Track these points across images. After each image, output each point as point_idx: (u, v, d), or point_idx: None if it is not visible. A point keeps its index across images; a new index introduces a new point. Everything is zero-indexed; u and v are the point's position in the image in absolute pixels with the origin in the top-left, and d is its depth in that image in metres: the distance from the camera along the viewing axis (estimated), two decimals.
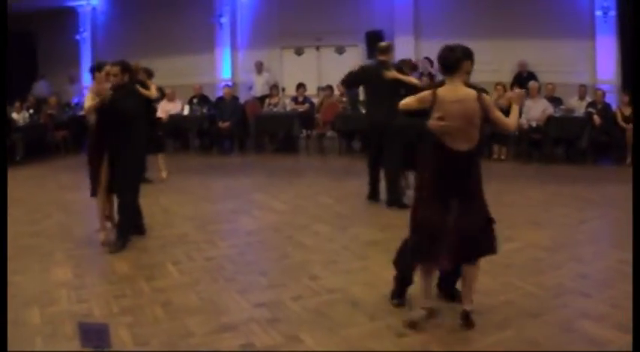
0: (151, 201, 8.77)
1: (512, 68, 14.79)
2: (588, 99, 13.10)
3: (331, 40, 16.78)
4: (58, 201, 9.44)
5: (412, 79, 8.64)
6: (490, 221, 4.61)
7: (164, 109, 14.03)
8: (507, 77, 14.52)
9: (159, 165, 10.90)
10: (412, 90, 8.32)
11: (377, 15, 16.00)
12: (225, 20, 17.19)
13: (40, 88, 17.62)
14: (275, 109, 14.65)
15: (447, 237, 4.46)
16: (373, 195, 8.97)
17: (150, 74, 10.22)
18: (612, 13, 14.12)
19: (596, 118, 12.24)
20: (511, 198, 8.79)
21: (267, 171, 12.05)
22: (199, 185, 10.77)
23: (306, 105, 14.83)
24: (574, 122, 12.39)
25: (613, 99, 13.28)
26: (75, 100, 16.64)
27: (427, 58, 15.22)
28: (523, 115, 12.11)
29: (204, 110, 14.60)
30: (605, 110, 12.52)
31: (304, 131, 14.83)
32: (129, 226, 7.01)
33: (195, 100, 15.03)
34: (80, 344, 3.80)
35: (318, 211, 8.60)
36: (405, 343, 4.45)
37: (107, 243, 6.92)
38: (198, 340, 4.55)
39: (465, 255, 4.52)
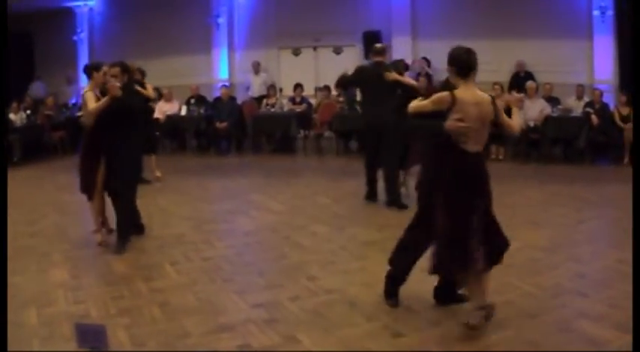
0: (148, 202, 8.76)
1: (509, 68, 14.78)
2: (586, 99, 13.10)
3: (329, 40, 16.76)
4: (56, 201, 9.42)
5: (411, 81, 8.78)
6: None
7: (161, 110, 14.02)
8: (505, 77, 14.51)
9: (152, 166, 10.85)
10: (409, 91, 8.38)
11: (374, 15, 15.99)
12: (222, 20, 17.18)
13: (36, 89, 17.58)
14: (272, 110, 14.64)
15: (477, 236, 4.48)
16: (371, 196, 8.96)
17: (143, 74, 10.23)
18: (610, 12, 14.11)
19: (594, 118, 12.24)
20: (509, 198, 8.78)
21: (264, 172, 12.04)
22: (197, 185, 10.76)
23: (304, 106, 14.82)
24: (572, 122, 12.39)
25: (610, 99, 13.27)
26: (72, 101, 16.62)
27: (424, 58, 15.24)
28: (521, 115, 12.10)
29: (202, 110, 14.59)
30: (603, 110, 12.51)
31: (302, 131, 14.82)
32: (129, 226, 7.00)
33: (192, 101, 15.02)
34: (77, 345, 3.79)
35: (316, 211, 8.60)
36: (403, 343, 4.44)
37: (105, 244, 6.91)
38: (196, 340, 4.54)
39: (496, 252, 4.58)
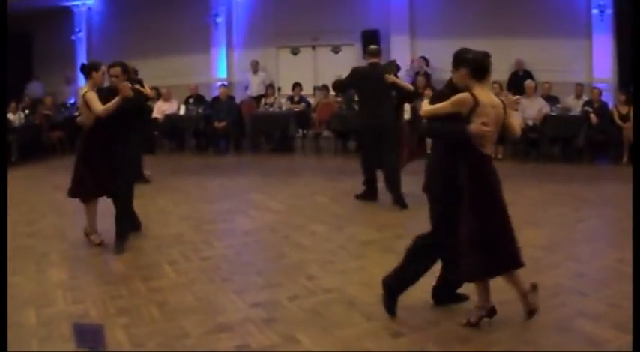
0: (146, 202, 8.75)
1: (508, 67, 14.76)
2: (585, 98, 13.10)
3: (327, 39, 16.76)
4: (54, 201, 9.40)
5: (407, 84, 9.15)
6: None
7: (160, 109, 14.03)
8: (504, 76, 14.48)
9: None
10: (403, 93, 8.77)
11: (373, 14, 15.97)
12: (220, 20, 17.19)
13: (33, 88, 17.56)
14: (271, 109, 14.63)
15: (510, 233, 4.56)
16: (370, 196, 8.96)
17: (136, 74, 10.24)
18: (609, 11, 14.11)
19: (593, 117, 12.24)
20: (508, 197, 8.63)
21: (263, 171, 12.03)
22: (195, 185, 10.75)
23: (302, 105, 14.82)
24: (571, 121, 12.39)
25: (609, 98, 13.27)
26: (71, 101, 16.60)
27: (423, 57, 15.23)
28: (520, 115, 12.09)
29: (200, 110, 14.57)
30: (602, 109, 12.51)
31: (300, 131, 14.82)
32: (128, 226, 6.99)
33: (191, 100, 15.01)
34: (75, 345, 3.78)
35: (315, 211, 8.59)
36: (402, 343, 4.44)
37: (103, 244, 6.90)
38: (195, 340, 4.53)
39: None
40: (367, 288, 5.47)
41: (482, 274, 4.55)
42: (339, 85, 9.52)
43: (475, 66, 4.50)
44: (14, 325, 4.72)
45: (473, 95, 4.41)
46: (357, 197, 9.02)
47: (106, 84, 6.97)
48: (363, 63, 9.08)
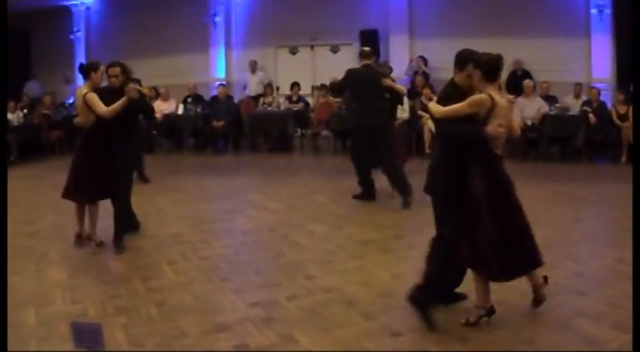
0: (145, 201, 8.75)
1: (507, 66, 14.56)
2: (584, 97, 13.11)
3: (326, 39, 16.75)
4: (53, 201, 9.35)
5: (402, 88, 9.42)
6: None
7: (158, 109, 14.00)
8: (502, 75, 14.39)
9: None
10: (397, 96, 9.04)
11: (371, 14, 15.97)
12: (219, 19, 17.18)
13: (31, 87, 17.54)
14: (269, 108, 14.63)
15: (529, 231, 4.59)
16: (369, 196, 8.97)
17: (131, 73, 10.24)
18: (607, 11, 14.10)
19: (592, 117, 12.24)
20: None
21: (261, 171, 12.03)
22: (194, 184, 10.74)
23: (301, 105, 14.82)
24: (569, 120, 12.40)
25: (608, 98, 13.28)
26: (70, 100, 16.57)
27: (421, 57, 15.23)
28: (519, 114, 12.10)
29: (199, 109, 14.56)
30: (601, 108, 12.51)
31: (299, 130, 14.83)
32: (126, 225, 6.98)
33: (189, 100, 15.00)
34: (73, 344, 3.78)
35: (313, 211, 8.59)
36: (401, 342, 4.44)
37: (102, 244, 6.89)
38: (193, 340, 4.53)
39: None
40: (366, 288, 5.47)
41: (507, 277, 4.55)
42: (336, 88, 9.72)
43: (489, 68, 4.49)
44: (13, 324, 4.72)
45: (490, 96, 4.41)
46: (355, 197, 9.03)
47: (104, 84, 6.94)
48: (353, 67, 9.13)
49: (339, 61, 14.91)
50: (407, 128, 11.92)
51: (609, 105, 12.75)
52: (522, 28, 14.62)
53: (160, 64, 16.69)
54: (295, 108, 14.61)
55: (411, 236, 7.13)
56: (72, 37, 18.37)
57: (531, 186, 9.87)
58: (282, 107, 14.76)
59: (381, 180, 9.06)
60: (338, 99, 14.36)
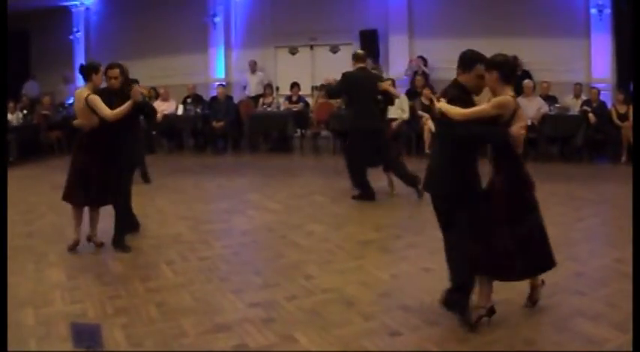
0: (145, 201, 8.75)
1: None
2: (583, 97, 13.12)
3: (325, 39, 16.76)
4: (52, 201, 9.35)
5: (395, 91, 9.75)
6: None
7: (158, 109, 13.96)
8: None
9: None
10: (388, 97, 9.24)
11: (371, 14, 15.97)
12: (218, 20, 17.18)
13: (30, 88, 17.53)
14: (269, 109, 14.63)
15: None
16: (368, 195, 8.97)
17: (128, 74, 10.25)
18: (607, 11, 14.09)
19: (592, 116, 12.25)
20: None
21: (261, 171, 12.02)
22: (193, 185, 10.74)
23: (300, 105, 14.82)
24: (569, 120, 12.41)
25: (608, 98, 13.28)
26: (69, 101, 16.56)
27: (421, 57, 15.23)
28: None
29: (198, 110, 14.59)
30: (601, 108, 12.52)
31: (298, 130, 14.84)
32: (126, 224, 6.97)
33: (189, 100, 15.02)
34: (73, 344, 3.78)
35: (313, 211, 8.59)
36: (400, 342, 4.43)
37: (102, 245, 6.88)
38: (192, 340, 4.52)
39: None
40: (365, 288, 5.47)
41: (520, 277, 4.64)
42: (333, 92, 9.88)
43: (507, 69, 4.48)
44: (13, 325, 4.71)
45: (514, 98, 4.45)
46: (354, 198, 9.03)
47: (102, 85, 6.91)
48: (348, 70, 9.20)
49: (339, 61, 14.89)
50: (406, 128, 11.95)
51: (609, 105, 12.76)
52: (522, 28, 14.61)
53: (160, 64, 16.71)
54: (295, 109, 14.62)
55: (410, 236, 7.12)
56: (71, 37, 18.38)
57: None
58: (282, 107, 14.77)
59: (381, 181, 9.05)
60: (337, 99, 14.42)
